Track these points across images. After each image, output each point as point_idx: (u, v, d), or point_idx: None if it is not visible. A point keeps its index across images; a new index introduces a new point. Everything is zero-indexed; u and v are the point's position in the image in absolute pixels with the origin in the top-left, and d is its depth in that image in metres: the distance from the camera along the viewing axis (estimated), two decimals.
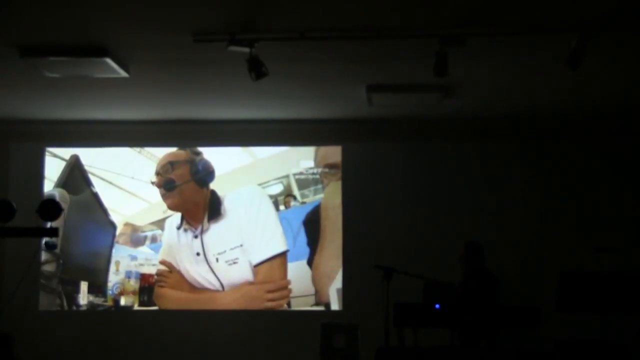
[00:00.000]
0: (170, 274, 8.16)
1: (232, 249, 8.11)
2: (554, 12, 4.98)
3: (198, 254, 8.12)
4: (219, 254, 8.11)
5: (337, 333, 7.13)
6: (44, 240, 6.38)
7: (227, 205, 8.18)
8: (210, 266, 8.10)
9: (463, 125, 7.97)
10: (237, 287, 8.08)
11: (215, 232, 8.15)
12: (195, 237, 8.16)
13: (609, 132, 7.91)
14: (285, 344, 7.80)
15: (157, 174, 8.29)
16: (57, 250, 6.66)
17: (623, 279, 6.27)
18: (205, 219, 8.17)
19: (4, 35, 5.45)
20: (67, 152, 8.37)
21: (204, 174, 8.24)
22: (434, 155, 8.09)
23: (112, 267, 8.21)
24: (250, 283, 8.07)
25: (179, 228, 8.21)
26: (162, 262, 8.18)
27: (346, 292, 7.96)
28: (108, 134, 8.20)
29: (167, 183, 8.25)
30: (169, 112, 7.78)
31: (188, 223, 8.20)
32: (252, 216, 8.16)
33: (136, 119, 7.98)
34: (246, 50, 5.31)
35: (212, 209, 8.19)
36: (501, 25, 5.15)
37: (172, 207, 8.25)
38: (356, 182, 8.13)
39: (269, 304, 8.05)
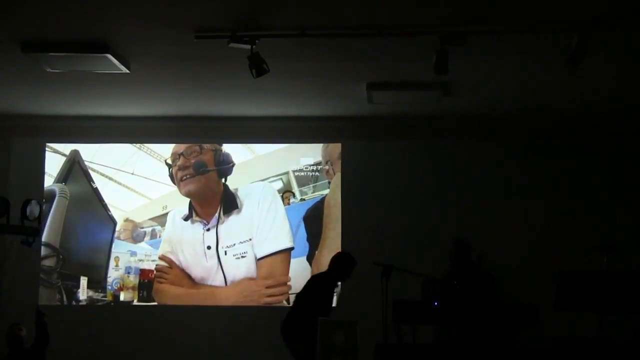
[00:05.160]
0: (170, 269, 8.17)
1: (241, 242, 8.13)
2: (554, 11, 4.99)
3: (209, 247, 8.14)
4: (228, 247, 8.14)
5: (335, 330, 7.14)
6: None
7: (241, 198, 8.21)
8: (219, 260, 8.11)
9: (463, 123, 7.99)
10: (237, 281, 8.10)
11: (228, 225, 8.17)
12: (208, 230, 8.17)
13: (609, 130, 7.92)
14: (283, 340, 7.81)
15: (180, 155, 8.25)
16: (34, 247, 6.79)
17: (622, 278, 6.28)
18: (221, 211, 8.18)
19: (6, 31, 5.46)
20: (67, 148, 8.38)
21: (228, 165, 8.24)
22: (433, 153, 8.10)
23: (112, 263, 8.23)
24: (251, 279, 8.09)
25: (186, 219, 8.21)
26: (162, 258, 8.20)
27: (345, 289, 7.97)
28: (109, 129, 8.21)
29: (199, 165, 8.23)
30: (170, 109, 7.79)
31: (198, 215, 8.21)
32: (264, 211, 8.18)
33: (137, 115, 7.99)
34: (247, 47, 5.33)
35: (228, 201, 8.20)
36: (501, 23, 5.15)
37: (190, 193, 8.22)
38: (356, 179, 8.14)
39: (268, 300, 8.07)
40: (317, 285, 6.70)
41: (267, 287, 8.07)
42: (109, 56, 5.80)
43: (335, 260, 6.74)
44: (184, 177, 8.27)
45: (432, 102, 7.25)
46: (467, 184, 8.01)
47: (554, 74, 6.24)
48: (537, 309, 6.24)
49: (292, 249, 8.11)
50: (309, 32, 5.25)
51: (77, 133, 8.27)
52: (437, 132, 8.08)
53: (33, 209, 6.05)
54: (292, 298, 8.02)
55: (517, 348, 6.35)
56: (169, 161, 8.30)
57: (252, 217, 8.16)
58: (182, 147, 8.32)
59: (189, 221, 8.20)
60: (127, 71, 6.20)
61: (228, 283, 8.10)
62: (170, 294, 8.16)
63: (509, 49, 5.73)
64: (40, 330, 6.15)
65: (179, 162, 8.27)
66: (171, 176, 8.30)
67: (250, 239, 8.12)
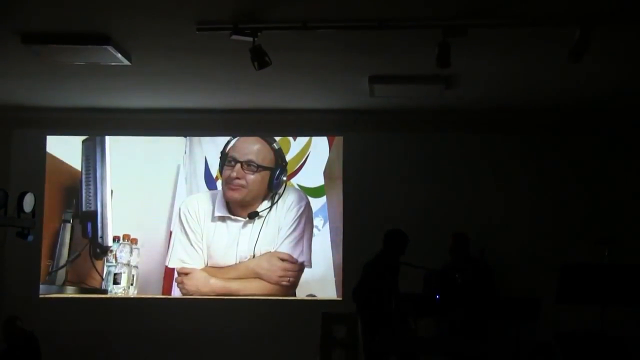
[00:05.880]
0: (187, 277, 8.17)
1: (269, 241, 8.14)
2: (557, 4, 4.97)
3: (242, 243, 8.13)
4: (258, 244, 8.15)
5: (337, 323, 7.16)
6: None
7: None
8: (253, 253, 8.13)
9: (465, 117, 7.97)
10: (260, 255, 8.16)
11: (261, 223, 8.18)
12: (243, 226, 8.16)
13: (610, 124, 7.91)
14: (285, 332, 7.82)
15: (238, 162, 8.19)
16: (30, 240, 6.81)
17: (623, 271, 6.28)
18: (261, 208, 8.18)
19: (7, 22, 5.45)
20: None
21: (285, 165, 8.25)
22: (435, 146, 8.09)
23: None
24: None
25: (222, 220, 8.19)
26: (180, 271, 8.20)
27: (347, 282, 7.97)
28: (110, 122, 8.20)
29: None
30: (171, 101, 7.78)
31: (233, 213, 8.20)
32: (292, 217, 8.17)
33: (139, 107, 7.97)
34: (249, 39, 5.31)
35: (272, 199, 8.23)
36: (504, 16, 5.14)
37: (232, 199, 8.20)
38: (357, 172, 8.13)
39: (281, 274, 8.06)
40: (372, 269, 6.65)
41: (282, 259, 8.07)
42: (110, 48, 5.78)
43: (386, 238, 6.70)
44: (233, 185, 8.20)
45: (434, 96, 7.23)
46: (468, 177, 8.00)
47: (557, 67, 6.22)
48: (539, 302, 6.25)
49: (304, 263, 8.12)
50: (310, 25, 5.23)
51: (78, 125, 8.26)
52: (439, 126, 8.06)
53: (28, 202, 6.08)
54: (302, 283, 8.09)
55: (518, 341, 6.35)
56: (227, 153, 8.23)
57: (281, 219, 8.16)
58: (240, 152, 8.24)
59: (223, 221, 8.18)
60: (128, 63, 6.18)
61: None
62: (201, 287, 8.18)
63: (512, 42, 5.71)
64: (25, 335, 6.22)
65: (235, 170, 8.21)
66: (220, 167, 8.27)
67: (277, 236, 8.17)
